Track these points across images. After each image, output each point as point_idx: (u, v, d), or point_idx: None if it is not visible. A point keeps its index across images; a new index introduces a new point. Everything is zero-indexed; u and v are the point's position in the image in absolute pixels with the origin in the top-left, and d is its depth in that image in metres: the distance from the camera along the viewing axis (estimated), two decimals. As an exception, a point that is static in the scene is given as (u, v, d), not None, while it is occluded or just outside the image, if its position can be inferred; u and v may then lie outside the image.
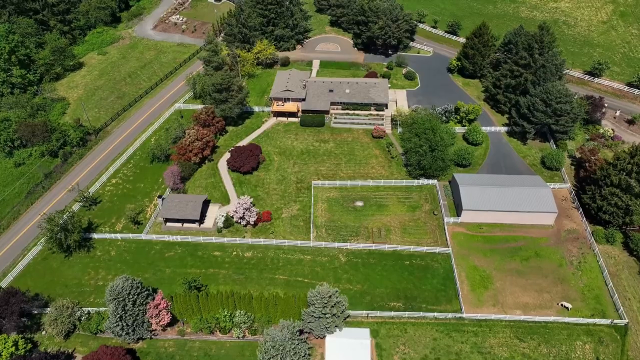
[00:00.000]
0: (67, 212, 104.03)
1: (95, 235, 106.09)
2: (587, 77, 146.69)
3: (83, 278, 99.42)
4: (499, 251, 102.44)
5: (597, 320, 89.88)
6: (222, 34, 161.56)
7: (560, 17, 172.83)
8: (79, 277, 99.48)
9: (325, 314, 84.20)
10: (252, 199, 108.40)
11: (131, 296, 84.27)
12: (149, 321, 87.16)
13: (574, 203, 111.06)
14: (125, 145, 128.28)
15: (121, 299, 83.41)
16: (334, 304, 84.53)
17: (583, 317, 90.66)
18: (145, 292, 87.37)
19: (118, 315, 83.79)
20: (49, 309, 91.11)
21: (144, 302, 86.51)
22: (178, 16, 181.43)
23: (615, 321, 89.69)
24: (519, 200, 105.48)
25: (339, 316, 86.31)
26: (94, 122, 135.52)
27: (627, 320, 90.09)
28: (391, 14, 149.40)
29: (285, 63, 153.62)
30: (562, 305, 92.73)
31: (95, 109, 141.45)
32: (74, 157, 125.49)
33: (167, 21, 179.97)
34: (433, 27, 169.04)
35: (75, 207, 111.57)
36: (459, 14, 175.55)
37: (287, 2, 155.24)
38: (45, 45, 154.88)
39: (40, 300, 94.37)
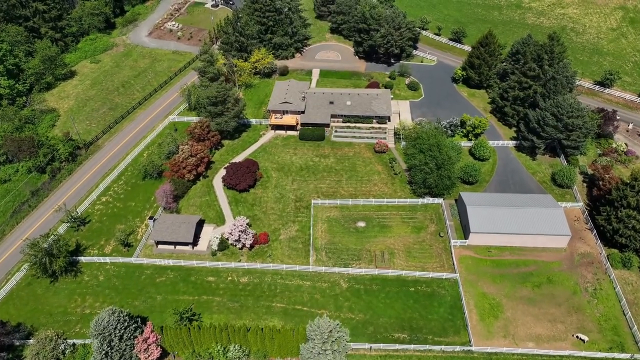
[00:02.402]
0: (52, 236, 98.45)
1: (82, 259, 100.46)
2: (597, 87, 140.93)
3: (69, 306, 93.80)
4: (509, 277, 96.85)
5: (616, 355, 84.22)
6: (219, 42, 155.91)
7: (568, 24, 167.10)
8: (65, 305, 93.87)
9: (325, 349, 78.53)
10: (248, 220, 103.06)
11: (117, 331, 78.78)
12: (137, 356, 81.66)
13: (587, 224, 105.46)
14: (116, 161, 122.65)
15: (107, 334, 77.93)
16: (335, 339, 78.92)
17: (600, 351, 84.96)
18: (134, 325, 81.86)
19: (104, 352, 78.28)
20: (31, 340, 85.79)
21: (132, 336, 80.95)
22: (174, 22, 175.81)
23: (636, 356, 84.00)
24: (530, 221, 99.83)
25: (340, 351, 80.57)
26: (85, 136, 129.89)
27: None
28: (393, 21, 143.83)
29: (284, 72, 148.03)
30: (577, 337, 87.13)
31: (86, 121, 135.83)
32: (63, 173, 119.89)
33: (162, 28, 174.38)
34: (437, 34, 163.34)
35: (63, 227, 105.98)
36: (463, 20, 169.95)
37: (286, 9, 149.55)
38: (35, 53, 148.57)
39: (22, 331, 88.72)
